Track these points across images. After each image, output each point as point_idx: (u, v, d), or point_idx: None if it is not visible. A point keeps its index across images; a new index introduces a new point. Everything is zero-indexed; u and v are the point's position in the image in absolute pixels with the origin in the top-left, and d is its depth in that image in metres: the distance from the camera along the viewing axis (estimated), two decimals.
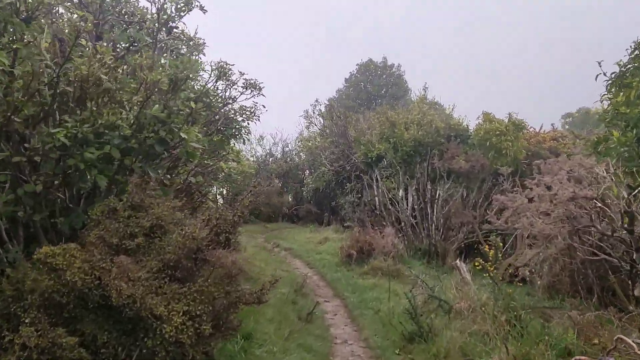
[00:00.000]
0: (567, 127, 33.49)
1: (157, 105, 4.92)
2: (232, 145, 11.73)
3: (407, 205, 15.41)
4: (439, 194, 14.66)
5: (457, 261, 11.26)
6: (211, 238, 5.10)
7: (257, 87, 10.50)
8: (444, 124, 14.56)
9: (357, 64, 34.52)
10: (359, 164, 18.24)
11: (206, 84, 9.71)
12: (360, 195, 20.38)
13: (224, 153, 10.15)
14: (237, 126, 10.41)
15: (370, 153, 14.70)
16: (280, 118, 58.37)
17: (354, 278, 12.13)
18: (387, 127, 14.53)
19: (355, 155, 17.45)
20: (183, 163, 7.00)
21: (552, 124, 17.89)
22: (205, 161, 8.79)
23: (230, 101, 10.47)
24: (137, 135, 4.91)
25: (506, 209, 10.43)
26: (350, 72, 34.46)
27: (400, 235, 14.52)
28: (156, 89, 4.99)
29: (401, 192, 15.11)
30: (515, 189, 14.18)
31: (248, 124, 11.11)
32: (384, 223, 15.83)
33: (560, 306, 8.04)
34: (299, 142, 25.32)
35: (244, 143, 10.70)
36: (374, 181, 16.05)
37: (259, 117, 10.95)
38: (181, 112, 5.24)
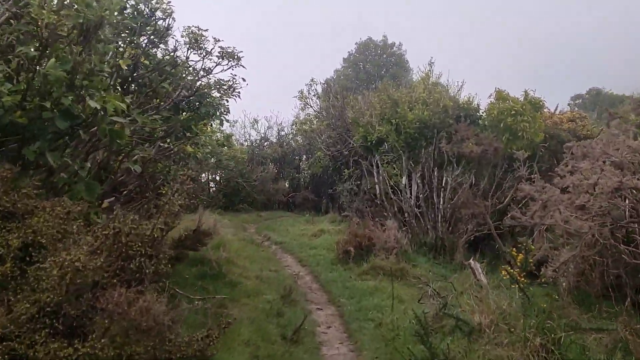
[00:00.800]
0: (576, 108, 31.76)
1: (52, 60, 3.31)
2: (209, 125, 10.09)
3: (411, 194, 13.83)
4: (447, 182, 13.06)
5: (471, 261, 9.70)
6: (114, 268, 3.46)
7: (235, 57, 8.85)
8: (453, 103, 12.90)
9: (356, 43, 32.72)
10: (357, 149, 16.62)
11: (174, 52, 8.05)
12: (359, 183, 18.81)
13: (195, 134, 8.53)
14: (213, 103, 8.78)
15: (370, 136, 13.08)
16: (276, 102, 56.58)
17: (352, 279, 10.59)
18: (389, 107, 12.87)
19: (353, 138, 15.82)
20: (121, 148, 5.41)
21: (557, 105, 16.18)
22: (167, 144, 7.20)
23: (204, 73, 8.82)
24: (26, 104, 3.31)
25: (533, 201, 8.84)
26: (348, 52, 32.72)
27: (403, 228, 12.94)
28: (59, 39, 3.37)
29: (404, 180, 13.52)
30: (532, 176, 12.61)
31: (227, 101, 9.48)
32: (385, 214, 14.27)
33: (606, 326, 6.49)
34: (293, 126, 23.60)
35: (221, 124, 9.03)
36: (374, 167, 14.45)
37: (239, 93, 9.31)
38: (100, 72, 3.63)
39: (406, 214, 13.77)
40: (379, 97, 13.36)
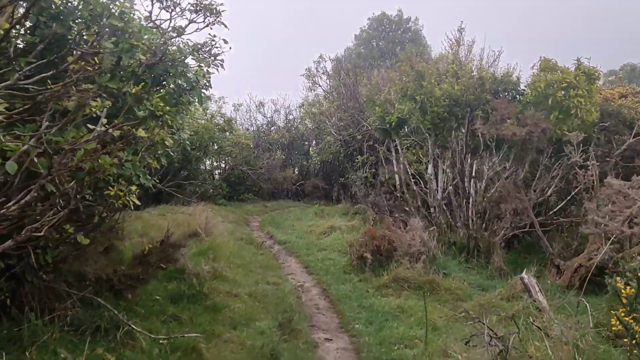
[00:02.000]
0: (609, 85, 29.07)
1: None
2: (190, 104, 7.96)
3: (438, 185, 11.64)
4: (483, 171, 10.85)
5: (525, 276, 7.53)
6: None
7: (214, 12, 6.69)
8: (490, 75, 10.60)
9: (369, 18, 30.23)
10: (372, 132, 14.43)
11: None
12: (374, 170, 16.65)
13: (161, 113, 6.40)
14: (187, 73, 6.64)
15: (389, 117, 10.90)
16: (283, 83, 54.19)
17: (369, 294, 8.50)
18: (412, 80, 10.64)
19: (368, 120, 13.64)
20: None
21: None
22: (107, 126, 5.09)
23: (174, 34, 6.68)
24: None
25: (613, 200, 6.65)
26: (360, 28, 30.28)
27: (430, 228, 10.79)
28: None
29: (430, 168, 11.33)
30: (588, 162, 10.37)
31: (207, 71, 7.33)
32: (407, 208, 12.12)
33: None
34: (301, 108, 21.35)
35: (200, 102, 6.90)
36: (393, 154, 12.26)
37: (222, 61, 7.15)
38: None
39: (432, 209, 11.60)
40: (400, 69, 11.14)
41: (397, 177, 12.25)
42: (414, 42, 28.88)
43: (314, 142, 28.87)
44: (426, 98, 10.44)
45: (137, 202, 5.62)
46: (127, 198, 5.59)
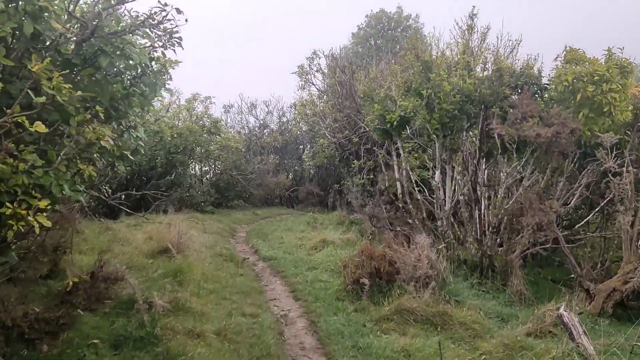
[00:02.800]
0: None
1: None
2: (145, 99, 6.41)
3: (445, 194, 10.11)
4: (500, 178, 9.32)
5: (564, 312, 5.96)
6: None
7: None
8: (509, 66, 9.07)
9: (367, 15, 28.74)
10: (370, 134, 12.91)
11: None
12: (371, 176, 15.13)
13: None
14: (126, 50, 5.09)
15: (390, 115, 9.38)
16: (278, 84, 52.63)
17: (367, 330, 6.92)
18: (418, 72, 9.11)
19: (365, 120, 12.13)
20: None
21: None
22: None
23: (114, 2, 5.13)
24: None
25: None
26: (358, 26, 28.78)
27: (439, 246, 9.26)
28: None
29: (437, 175, 9.80)
30: (624, 169, 8.85)
31: (162, 54, 5.80)
32: (410, 221, 10.57)
33: None
34: (292, 108, 19.77)
35: (153, 92, 5.31)
36: (394, 158, 10.72)
37: (178, 39, 5.61)
38: None
39: (439, 222, 10.05)
40: (403, 58, 9.61)
41: (398, 184, 10.71)
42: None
43: (309, 145, 27.39)
44: (434, 93, 8.91)
45: (47, 224, 4.04)
46: (33, 218, 4.03)
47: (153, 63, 5.80)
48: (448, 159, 9.85)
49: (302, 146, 28.65)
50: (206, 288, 7.99)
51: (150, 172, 20.34)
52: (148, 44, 5.63)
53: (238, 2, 62.09)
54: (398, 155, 10.93)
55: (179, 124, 19.31)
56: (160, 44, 5.60)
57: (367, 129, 13.67)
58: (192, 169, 24.89)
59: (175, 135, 18.43)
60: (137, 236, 11.59)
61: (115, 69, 5.40)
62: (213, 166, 25.09)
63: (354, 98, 14.88)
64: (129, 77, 5.68)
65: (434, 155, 9.84)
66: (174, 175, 21.41)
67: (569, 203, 10.23)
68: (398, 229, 10.40)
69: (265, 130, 28.85)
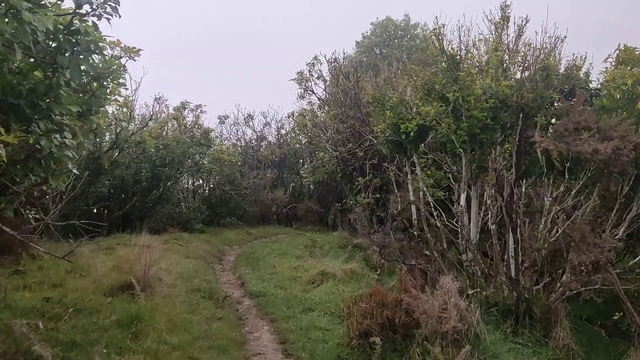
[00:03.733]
0: None
1: None
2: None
3: (471, 220, 8.32)
4: (543, 203, 7.54)
5: None
6: None
7: None
8: (555, 66, 7.30)
9: (372, 23, 27.23)
10: (378, 147, 11.18)
11: None
12: (378, 195, 13.37)
13: None
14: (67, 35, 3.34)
15: (406, 124, 7.60)
16: (275, 95, 51.01)
17: None
18: (442, 70, 7.37)
19: (375, 130, 10.39)
20: None
21: None
22: None
23: None
24: None
25: None
26: (362, 34, 27.23)
27: (461, 282, 7.47)
28: None
29: (463, 198, 8.02)
30: None
31: (93, 24, 4.07)
32: (427, 252, 8.76)
33: None
34: (290, 118, 17.94)
35: (77, 77, 3.46)
36: (409, 176, 8.95)
37: (114, 1, 3.87)
38: None
39: (465, 255, 8.25)
40: (422, 57, 7.85)
41: (413, 208, 8.91)
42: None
43: (308, 160, 25.68)
44: (462, 97, 7.15)
45: None
46: None
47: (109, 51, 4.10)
48: (475, 178, 8.07)
49: (301, 160, 26.93)
50: (169, 343, 6.16)
51: (135, 187, 18.59)
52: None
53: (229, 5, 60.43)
54: (412, 172, 9.16)
55: (166, 134, 17.57)
56: (89, 9, 3.86)
57: (375, 142, 11.93)
58: (182, 184, 23.16)
59: (160, 147, 16.68)
60: (101, 264, 9.80)
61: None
62: (204, 181, 23.33)
63: (360, 107, 13.19)
64: (44, 56, 3.93)
65: (458, 174, 8.06)
66: (161, 190, 19.67)
67: (618, 234, 8.44)
68: (413, 261, 8.58)
69: (262, 143, 27.16)
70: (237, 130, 26.97)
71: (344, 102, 14.33)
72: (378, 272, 9.01)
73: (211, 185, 22.94)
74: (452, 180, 8.40)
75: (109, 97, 6.13)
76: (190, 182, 23.27)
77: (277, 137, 27.20)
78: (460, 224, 8.27)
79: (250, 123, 26.71)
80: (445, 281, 6.52)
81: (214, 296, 8.82)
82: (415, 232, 8.87)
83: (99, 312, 6.99)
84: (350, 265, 10.72)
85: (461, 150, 7.58)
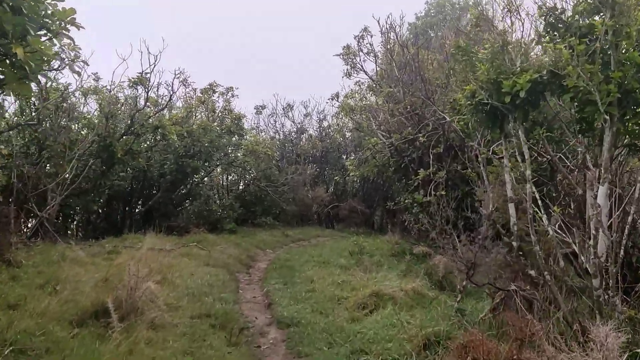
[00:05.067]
0: None
1: None
2: None
3: (602, 227, 5.49)
4: None
5: None
6: None
7: None
8: None
9: (426, 2, 24.37)
10: (454, 127, 8.50)
11: None
12: (443, 192, 10.69)
13: None
14: None
15: (512, 80, 4.84)
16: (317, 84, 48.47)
17: None
18: None
19: (453, 100, 7.72)
20: None
21: None
22: None
23: None
24: None
25: None
26: (416, 14, 24.41)
27: (591, 319, 4.62)
28: None
29: (602, 193, 5.24)
30: None
31: None
32: (532, 272, 5.99)
33: None
34: (333, 100, 15.19)
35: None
36: (505, 164, 6.22)
37: None
38: None
39: (594, 281, 5.45)
40: None
41: (511, 208, 6.17)
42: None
43: (353, 155, 23.11)
44: (611, 31, 4.41)
45: None
46: None
47: None
48: (608, 161, 5.27)
49: (344, 155, 24.39)
50: None
51: (159, 181, 16.53)
52: None
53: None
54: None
55: (194, 121, 15.36)
56: None
57: (444, 122, 9.24)
58: (215, 178, 21.05)
59: (185, 135, 14.49)
60: (88, 275, 7.57)
61: None
62: (240, 176, 21.11)
63: (423, 81, 10.51)
64: None
65: (596, 157, 5.29)
66: (190, 185, 17.56)
67: None
68: (512, 286, 5.87)
69: (302, 136, 24.78)
70: (275, 122, 24.71)
71: (400, 78, 11.67)
72: (458, 299, 6.34)
73: (245, 181, 20.69)
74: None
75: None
76: (224, 177, 21.15)
77: (318, 129, 24.77)
78: (589, 230, 5.51)
79: (290, 114, 24.38)
80: (601, 333, 3.80)
81: (229, 325, 6.38)
82: (513, 242, 6.13)
83: (50, 355, 4.71)
84: (411, 283, 8.08)
85: (602, 122, 4.82)
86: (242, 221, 19.13)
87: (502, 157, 6.50)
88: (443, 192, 10.72)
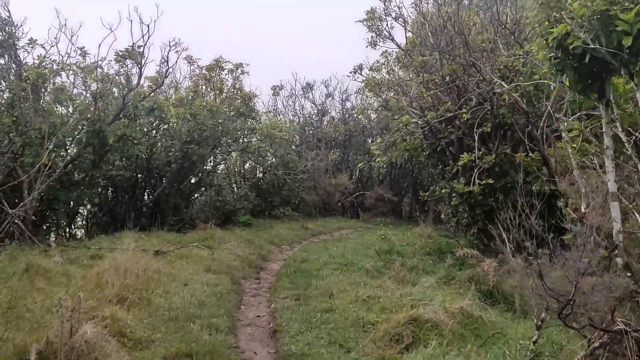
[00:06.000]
0: None
1: None
2: None
3: None
4: None
5: None
6: None
7: None
8: None
9: None
10: (505, 100, 6.55)
11: None
12: (491, 181, 8.83)
13: None
14: None
15: (634, 10, 2.84)
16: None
17: None
18: None
19: (530, 47, 5.76)
20: None
21: None
22: None
23: None
24: None
25: None
26: None
27: None
28: None
29: None
30: None
31: None
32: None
33: None
34: (355, 73, 13.29)
35: None
36: (606, 141, 4.24)
37: None
38: None
39: None
40: None
41: (613, 208, 4.24)
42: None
43: (379, 138, 21.21)
44: None
45: None
46: None
47: None
48: None
49: (370, 139, 22.45)
50: None
51: (165, 170, 14.94)
52: None
53: None
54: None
55: (201, 102, 13.60)
56: None
57: (504, 90, 7.29)
58: (231, 166, 19.44)
59: (189, 117, 12.78)
60: (55, 292, 5.94)
61: None
62: (255, 162, 19.37)
63: (465, 43, 8.51)
64: None
65: None
66: (199, 174, 15.94)
67: None
68: (619, 324, 3.96)
69: (324, 118, 22.90)
70: (295, 104, 22.87)
71: (436, 43, 9.66)
72: (535, 338, 4.46)
73: (261, 169, 18.99)
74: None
75: None
76: (240, 165, 19.49)
77: (341, 111, 22.83)
78: None
79: (310, 95, 22.50)
80: None
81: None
82: (618, 259, 4.21)
83: None
84: (458, 299, 6.24)
85: None
86: (258, 212, 17.50)
87: (592, 135, 4.57)
88: (490, 181, 8.81)
